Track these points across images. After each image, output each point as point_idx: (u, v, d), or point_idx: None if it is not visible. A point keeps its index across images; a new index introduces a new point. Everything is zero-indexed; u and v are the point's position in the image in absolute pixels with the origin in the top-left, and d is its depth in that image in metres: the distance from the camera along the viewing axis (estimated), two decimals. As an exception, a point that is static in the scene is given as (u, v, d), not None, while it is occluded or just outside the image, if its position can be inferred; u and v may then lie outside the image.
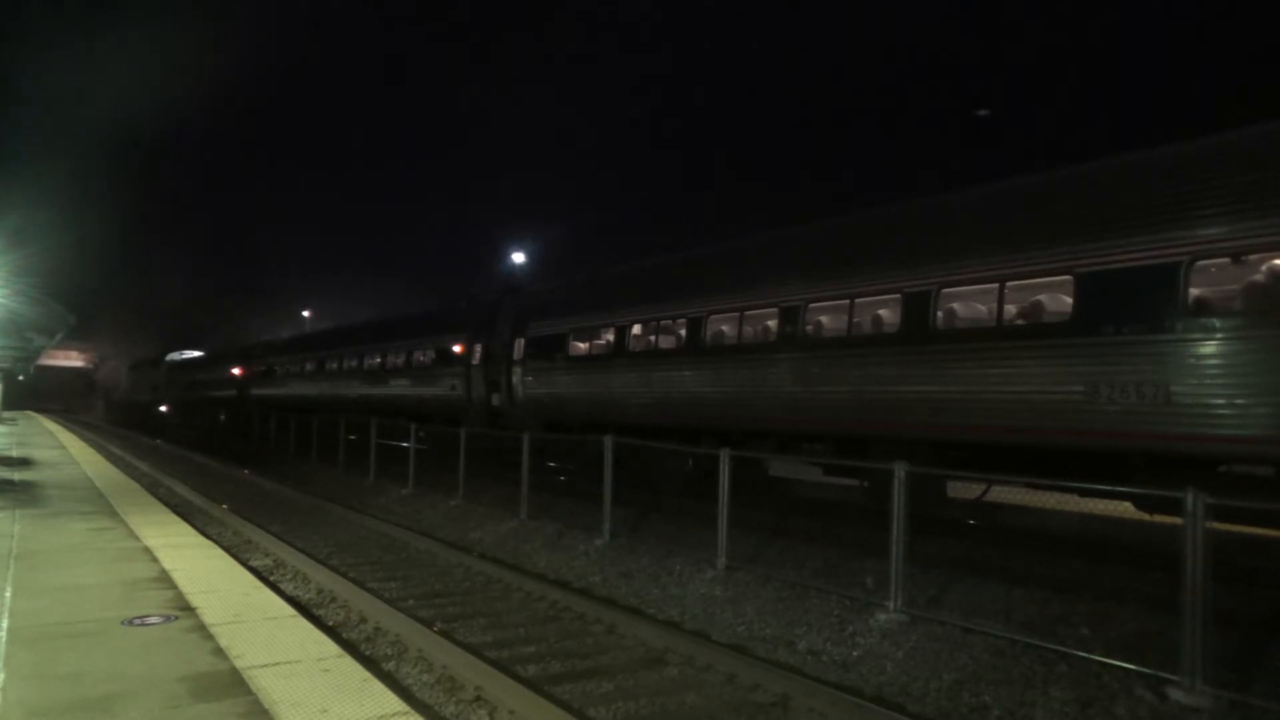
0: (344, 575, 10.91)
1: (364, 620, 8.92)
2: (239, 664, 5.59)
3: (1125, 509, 9.16)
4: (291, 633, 6.46)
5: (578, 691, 6.88)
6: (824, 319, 12.09)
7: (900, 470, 8.31)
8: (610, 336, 16.18)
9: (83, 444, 33.25)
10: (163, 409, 57.75)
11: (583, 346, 17.17)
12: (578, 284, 19.63)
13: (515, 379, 19.66)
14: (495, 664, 7.29)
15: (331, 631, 8.02)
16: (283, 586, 10.29)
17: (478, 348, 21.64)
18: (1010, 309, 9.74)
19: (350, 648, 7.23)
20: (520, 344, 19.43)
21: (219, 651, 5.86)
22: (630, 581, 10.59)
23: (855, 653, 7.82)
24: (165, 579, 8.13)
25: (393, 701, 5.00)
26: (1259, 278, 7.88)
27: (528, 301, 20.62)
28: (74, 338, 79.78)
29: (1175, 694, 6.13)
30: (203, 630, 6.37)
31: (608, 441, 12.46)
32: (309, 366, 33.82)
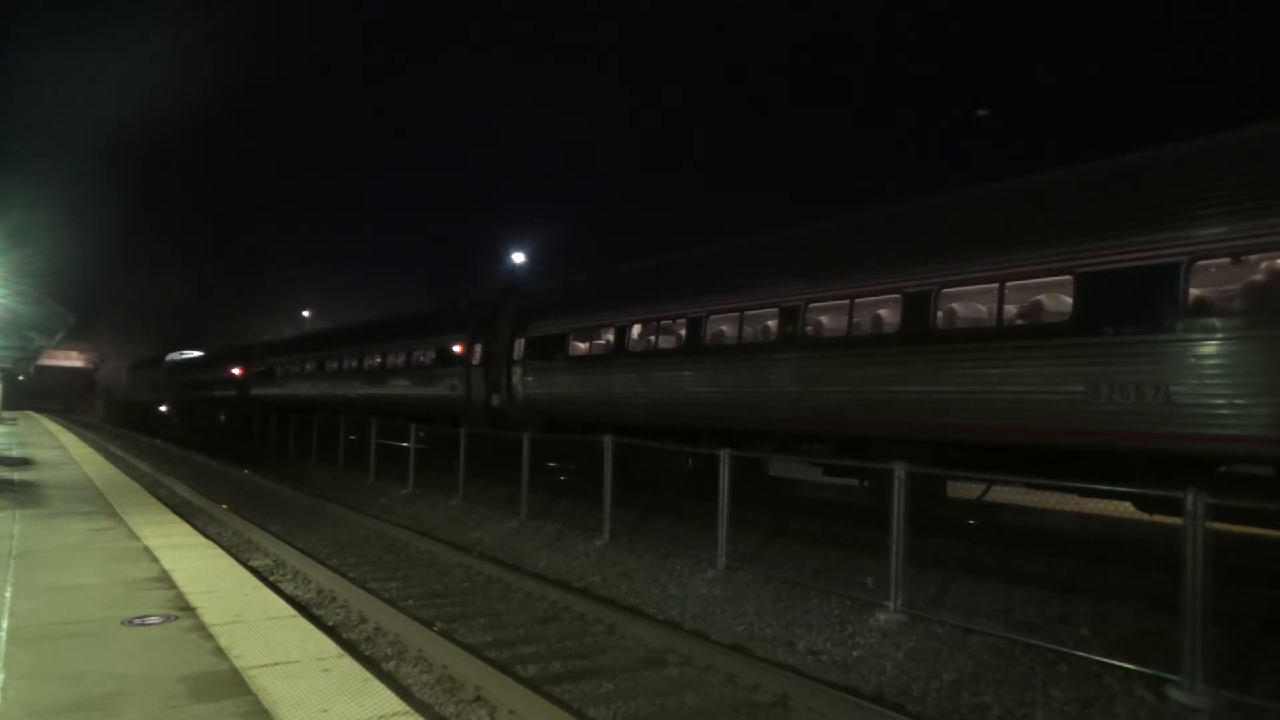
0: (344, 575, 10.91)
1: (364, 620, 8.92)
2: (239, 664, 5.59)
3: (1125, 509, 9.16)
4: (291, 633, 6.46)
5: (578, 691, 6.88)
6: (824, 319, 12.10)
7: (900, 470, 8.32)
8: (610, 336, 16.19)
9: (83, 444, 33.25)
10: (163, 409, 57.78)
11: (583, 346, 17.18)
12: (577, 284, 19.63)
13: (515, 379, 19.66)
14: (495, 664, 7.29)
15: (331, 631, 8.02)
16: (283, 586, 10.29)
17: (478, 348, 21.64)
18: (1010, 309, 9.75)
19: (350, 648, 7.22)
20: (520, 344, 19.44)
21: (219, 651, 5.86)
22: (630, 581, 10.59)
23: (855, 653, 7.82)
24: (165, 579, 8.13)
25: (393, 701, 5.00)
26: (1259, 278, 7.88)
27: (527, 302, 20.62)
28: (74, 338, 79.87)
29: (1175, 694, 6.13)
30: (203, 630, 6.37)
31: (608, 441, 12.46)
32: (309, 367, 33.82)
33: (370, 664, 6.92)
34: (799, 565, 10.14)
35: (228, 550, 11.02)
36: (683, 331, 14.48)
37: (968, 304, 10.38)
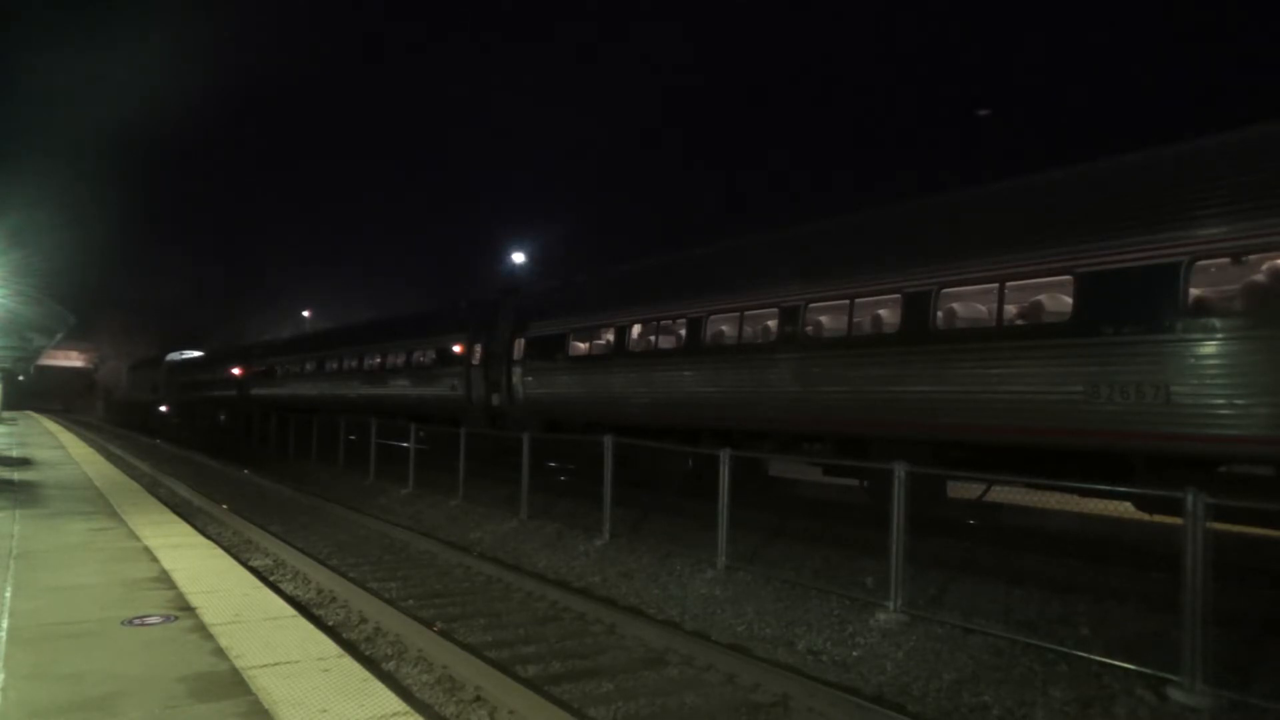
0: (344, 575, 10.91)
1: (364, 620, 8.92)
2: (239, 664, 5.59)
3: (1125, 509, 9.17)
4: (291, 633, 6.46)
5: (578, 691, 6.88)
6: (824, 319, 12.10)
7: (900, 470, 8.31)
8: (610, 336, 16.19)
9: (83, 444, 33.25)
10: (163, 409, 57.76)
11: (583, 346, 17.18)
12: (577, 284, 19.63)
13: (515, 379, 19.66)
14: (495, 664, 7.29)
15: (331, 631, 8.02)
16: (283, 586, 10.29)
17: (478, 348, 21.64)
18: (1010, 309, 9.75)
19: (350, 648, 7.22)
20: (520, 344, 19.44)
21: (219, 652, 5.86)
22: (630, 581, 10.59)
23: (855, 653, 7.82)
24: (165, 579, 8.13)
25: (393, 701, 5.00)
26: (1259, 278, 7.88)
27: (527, 302, 20.62)
28: (74, 338, 79.82)
29: (1175, 694, 6.13)
30: (203, 630, 6.37)
31: (608, 441, 12.46)
32: (309, 367, 33.82)
33: (370, 664, 6.92)
34: (799, 565, 10.14)
35: (228, 550, 11.02)
36: (683, 331, 14.49)
37: (968, 304, 10.38)
